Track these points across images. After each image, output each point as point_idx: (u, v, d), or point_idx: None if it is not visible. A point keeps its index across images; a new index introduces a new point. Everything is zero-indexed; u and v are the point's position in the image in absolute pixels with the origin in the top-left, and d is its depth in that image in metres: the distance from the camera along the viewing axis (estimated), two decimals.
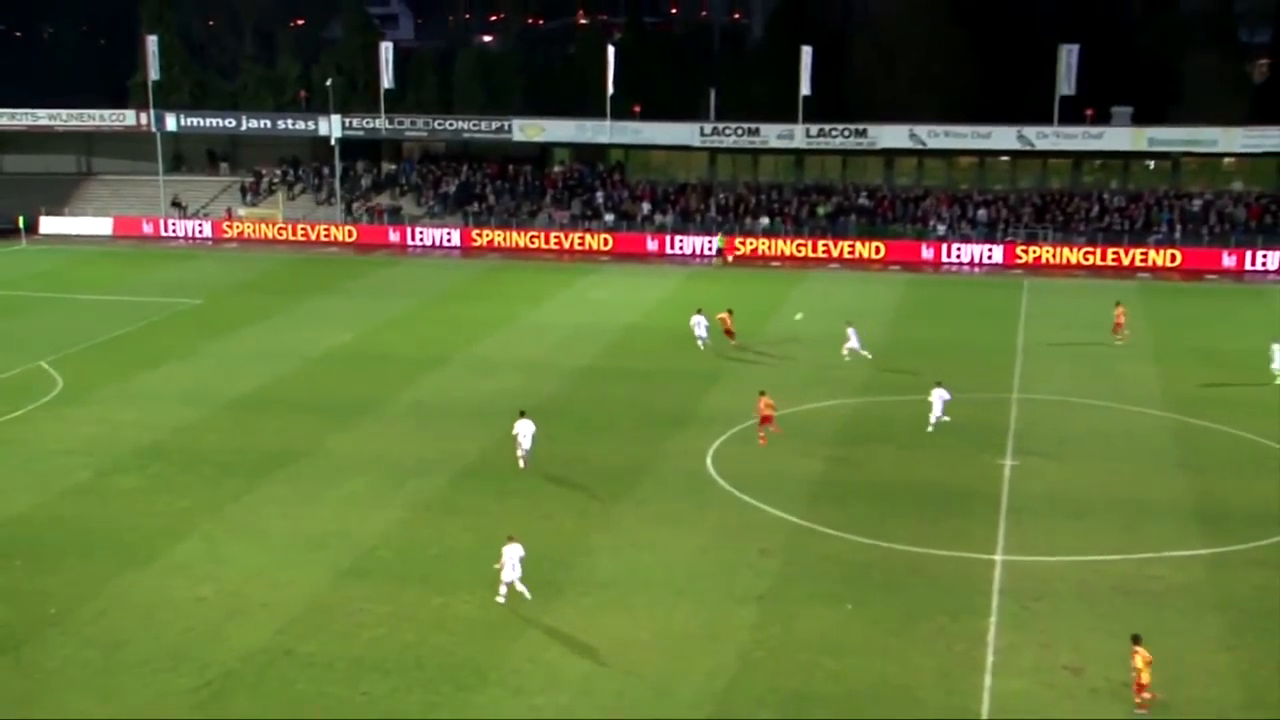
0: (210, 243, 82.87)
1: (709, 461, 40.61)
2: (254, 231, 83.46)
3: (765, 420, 42.13)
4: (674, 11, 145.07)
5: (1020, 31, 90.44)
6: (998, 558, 33.58)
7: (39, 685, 27.63)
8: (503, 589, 31.05)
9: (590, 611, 30.71)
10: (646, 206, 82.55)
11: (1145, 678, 25.79)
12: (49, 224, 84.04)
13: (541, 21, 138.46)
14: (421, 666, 28.20)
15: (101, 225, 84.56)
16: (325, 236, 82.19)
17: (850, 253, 75.97)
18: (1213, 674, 27.85)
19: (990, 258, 74.78)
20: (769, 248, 77.08)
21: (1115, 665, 27.99)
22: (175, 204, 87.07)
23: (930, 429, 42.65)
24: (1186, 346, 54.95)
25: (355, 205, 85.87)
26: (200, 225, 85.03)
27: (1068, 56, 75.28)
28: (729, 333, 54.34)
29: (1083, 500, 37.45)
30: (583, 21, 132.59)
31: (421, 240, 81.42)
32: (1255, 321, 59.66)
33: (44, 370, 51.05)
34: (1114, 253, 73.51)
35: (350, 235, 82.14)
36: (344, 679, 27.73)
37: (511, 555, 31.59)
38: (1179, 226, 75.89)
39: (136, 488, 38.57)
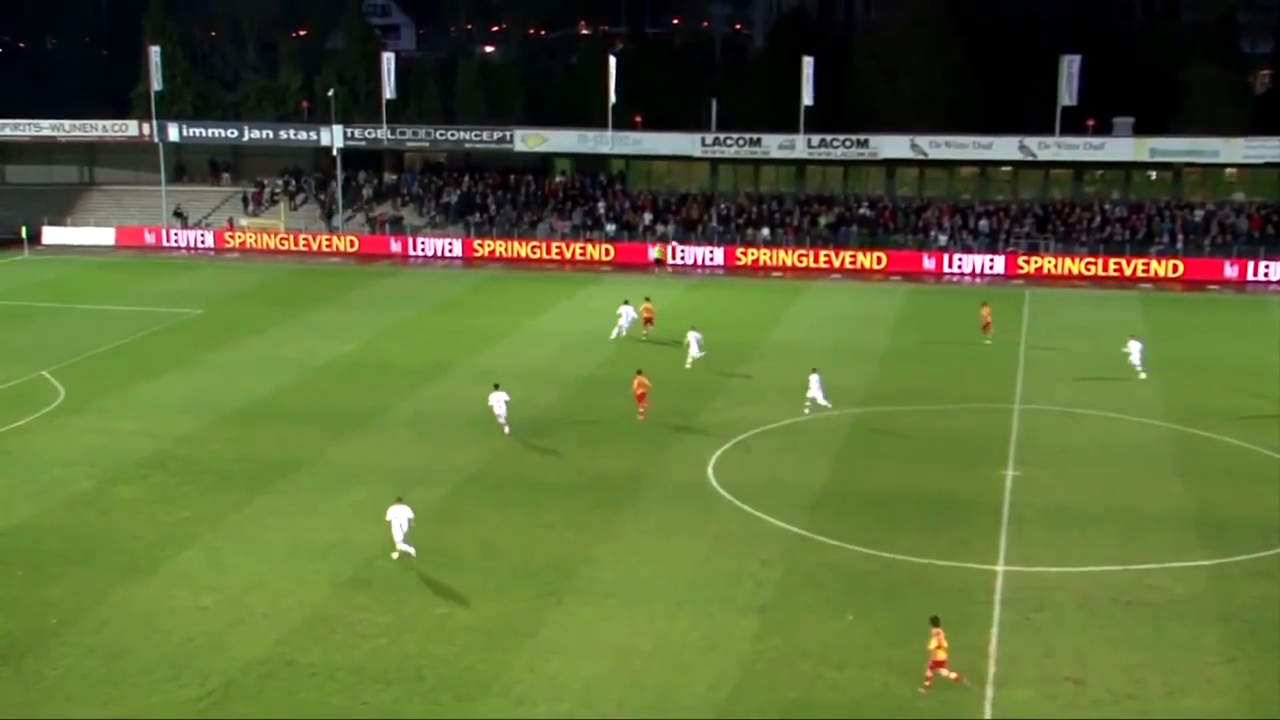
0: (212, 253, 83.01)
1: (710, 471, 40.63)
2: (256, 242, 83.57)
3: (640, 399, 45.06)
4: (676, 22, 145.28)
5: (1021, 42, 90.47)
6: (999, 568, 33.59)
7: (40, 695, 27.65)
8: (398, 549, 33.63)
9: (592, 621, 30.72)
10: (648, 217, 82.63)
11: (940, 656, 27.03)
12: (51, 234, 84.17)
13: (543, 32, 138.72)
14: (423, 677, 28.21)
15: (104, 235, 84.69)
16: (327, 247, 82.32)
17: (852, 263, 76.06)
18: (1214, 685, 27.83)
19: (992, 268, 74.83)
20: (770, 258, 77.14)
21: (1118, 676, 28.04)
22: (177, 214, 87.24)
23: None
24: (1188, 357, 54.94)
25: (335, 217, 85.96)
26: (202, 235, 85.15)
27: (1069, 67, 75.37)
28: (648, 321, 57.57)
29: (1084, 510, 37.45)
30: (584, 32, 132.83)
31: (423, 250, 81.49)
32: (1257, 332, 59.81)
33: (46, 380, 51.11)
34: (1116, 263, 73.54)
35: (352, 245, 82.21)
36: (345, 689, 27.74)
37: (398, 515, 34.15)
38: (1181, 237, 75.90)
39: (138, 498, 38.60)
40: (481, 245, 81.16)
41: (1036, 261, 74.58)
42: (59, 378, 51.35)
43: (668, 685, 27.80)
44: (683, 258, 78.15)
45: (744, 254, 77.71)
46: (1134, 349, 51.20)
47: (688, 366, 51.75)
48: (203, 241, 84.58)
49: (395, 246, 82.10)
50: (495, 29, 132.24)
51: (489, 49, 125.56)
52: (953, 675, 27.20)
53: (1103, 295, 67.50)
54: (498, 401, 44.53)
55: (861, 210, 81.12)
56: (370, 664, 28.76)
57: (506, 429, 44.05)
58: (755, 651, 29.23)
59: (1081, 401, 47.78)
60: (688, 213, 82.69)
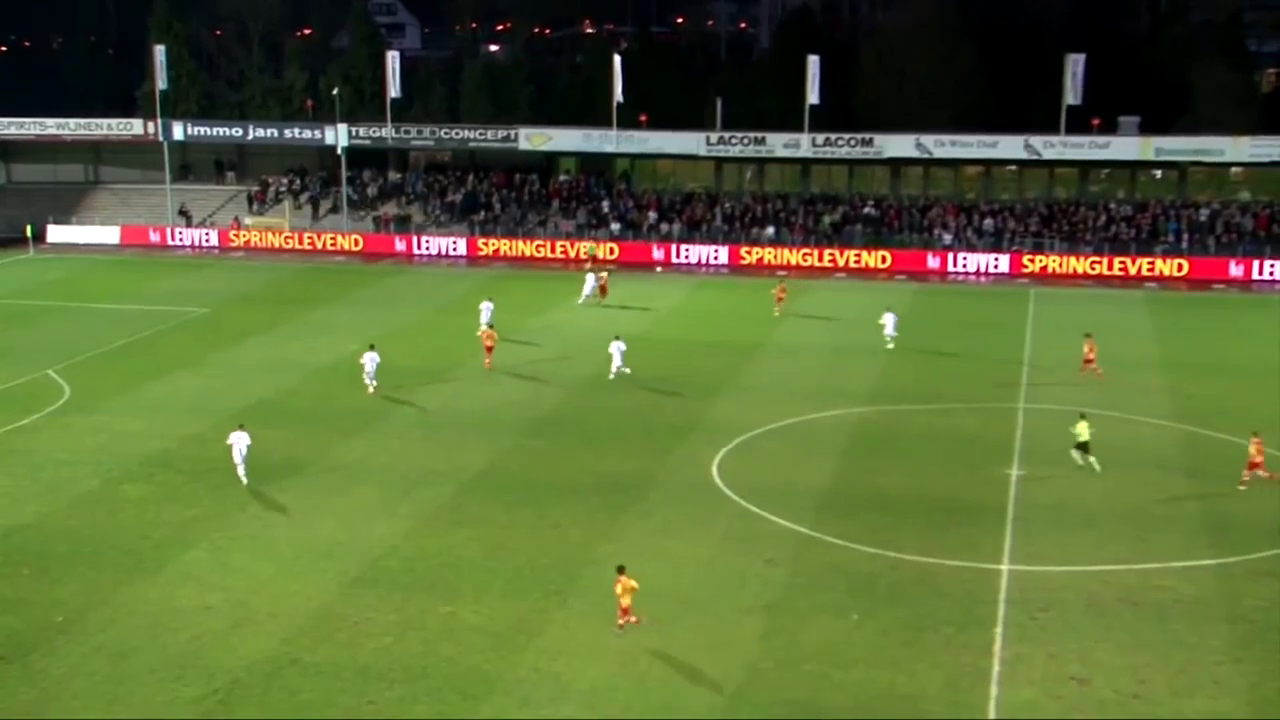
0: (217, 252, 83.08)
1: (715, 471, 40.66)
2: (260, 240, 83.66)
3: (489, 350, 51.68)
4: (681, 21, 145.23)
5: (1027, 42, 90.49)
6: (1005, 568, 33.61)
7: (47, 693, 27.73)
8: (240, 471, 38.78)
9: (597, 622, 30.72)
10: (653, 215, 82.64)
11: (626, 602, 29.46)
12: (57, 233, 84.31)
13: (548, 31, 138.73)
14: (428, 676, 28.26)
15: (109, 234, 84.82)
16: (332, 245, 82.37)
17: (856, 262, 76.04)
18: (1220, 685, 27.84)
19: (996, 267, 74.77)
20: (775, 257, 77.12)
21: (1124, 676, 28.05)
22: (182, 213, 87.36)
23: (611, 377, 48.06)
24: (1193, 357, 54.91)
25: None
26: (207, 234, 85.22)
27: (1074, 66, 75.17)
28: (603, 290, 63.43)
29: (1090, 510, 37.46)
30: (589, 31, 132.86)
31: (428, 249, 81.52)
32: (1262, 332, 59.72)
33: (52, 379, 51.20)
34: (1121, 262, 73.47)
35: (357, 244, 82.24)
36: (351, 688, 27.79)
37: (239, 441, 39.20)
38: (1186, 236, 75.76)
39: (144, 497, 38.66)
40: (486, 244, 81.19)
41: (1041, 260, 74.50)
42: (64, 377, 51.43)
43: (673, 686, 27.83)
44: (687, 257, 78.15)
45: (748, 253, 77.67)
46: (889, 321, 54.70)
47: (610, 378, 51.13)
48: (208, 240, 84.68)
49: (400, 245, 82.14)
50: (500, 28, 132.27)
51: (494, 48, 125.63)
52: (634, 619, 29.70)
53: (1108, 294, 67.41)
54: (369, 360, 48.82)
55: (866, 209, 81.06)
56: (376, 663, 28.82)
57: (372, 387, 48.40)
58: (761, 652, 29.24)
59: (1086, 401, 47.71)
60: (692, 212, 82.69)
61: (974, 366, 53.23)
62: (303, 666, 28.71)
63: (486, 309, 58.11)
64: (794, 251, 77.34)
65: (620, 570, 30.10)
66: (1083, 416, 41.23)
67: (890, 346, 54.14)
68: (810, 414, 45.99)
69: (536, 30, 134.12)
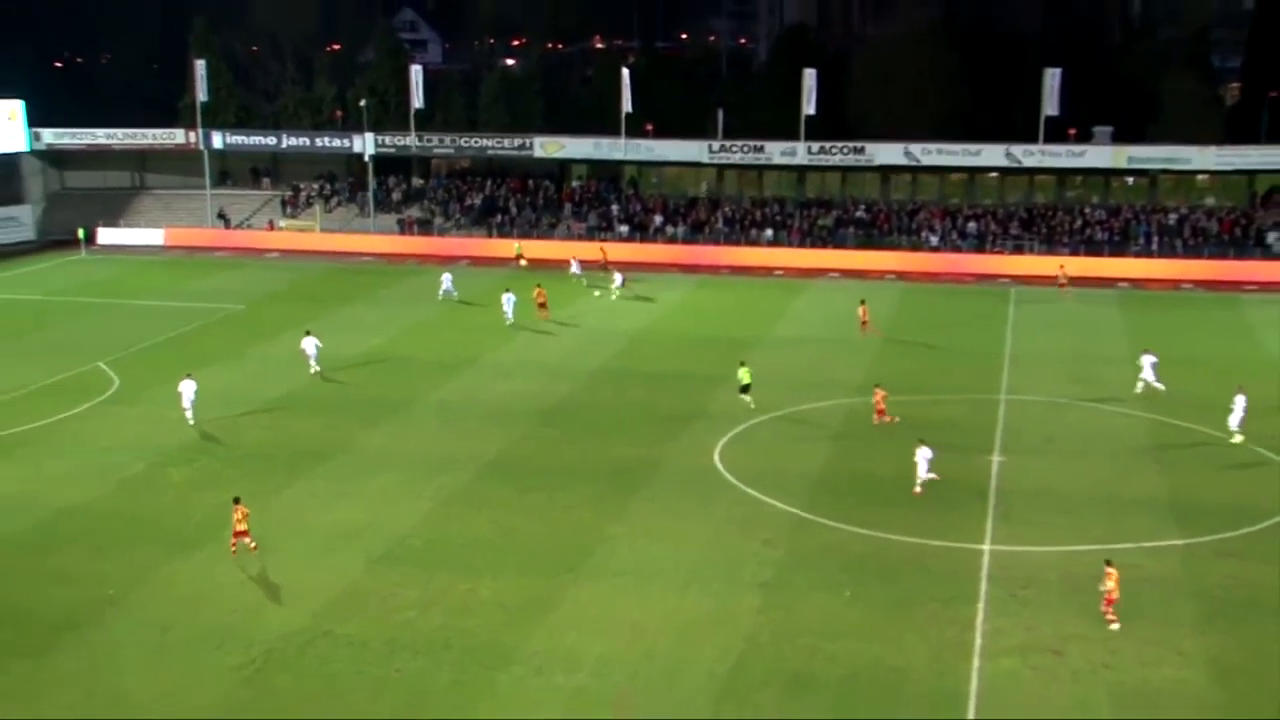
0: (253, 252, 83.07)
1: (716, 457, 40.72)
2: (293, 242, 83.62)
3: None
4: (684, 37, 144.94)
5: (1008, 56, 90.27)
6: (986, 548, 33.66)
7: (100, 662, 27.96)
8: (188, 418, 43.42)
9: (606, 597, 30.85)
10: (659, 219, 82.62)
11: (241, 528, 32.75)
12: (106, 235, 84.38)
13: (561, 46, 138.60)
14: (450, 647, 28.39)
15: (154, 236, 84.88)
16: (359, 246, 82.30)
17: (849, 262, 75.85)
18: (1185, 656, 27.93)
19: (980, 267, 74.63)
20: (772, 257, 77.03)
21: (1096, 648, 28.13)
22: (221, 216, 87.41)
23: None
24: (1163, 352, 54.73)
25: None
26: (244, 236, 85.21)
27: (1052, 79, 75.07)
28: (542, 306, 60.57)
29: (1066, 495, 37.51)
30: (599, 46, 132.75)
31: (448, 250, 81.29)
32: (1227, 328, 59.70)
33: (102, 370, 51.39)
34: (1095, 263, 73.24)
35: (382, 246, 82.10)
36: (378, 658, 27.94)
37: (187, 389, 43.86)
38: (1156, 239, 75.67)
39: (186, 480, 38.83)
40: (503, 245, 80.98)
41: (1021, 261, 74.34)
42: (113, 369, 51.61)
43: (677, 657, 27.91)
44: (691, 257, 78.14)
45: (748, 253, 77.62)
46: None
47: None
48: (244, 242, 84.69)
49: (422, 247, 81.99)
50: (516, 44, 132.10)
51: (510, 62, 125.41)
52: (252, 545, 32.75)
53: (1083, 293, 67.26)
54: (309, 344, 50.28)
55: (858, 213, 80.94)
56: (401, 635, 28.95)
57: (315, 368, 49.93)
58: (758, 625, 29.33)
59: (1063, 393, 47.77)
60: (696, 215, 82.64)
61: (958, 360, 53.23)
62: (334, 638, 28.86)
63: (508, 299, 59.37)
64: (791, 252, 77.32)
65: (237, 501, 33.09)
66: (743, 364, 46.15)
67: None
68: (805, 404, 46.03)
69: (550, 45, 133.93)
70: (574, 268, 68.94)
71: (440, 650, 28.26)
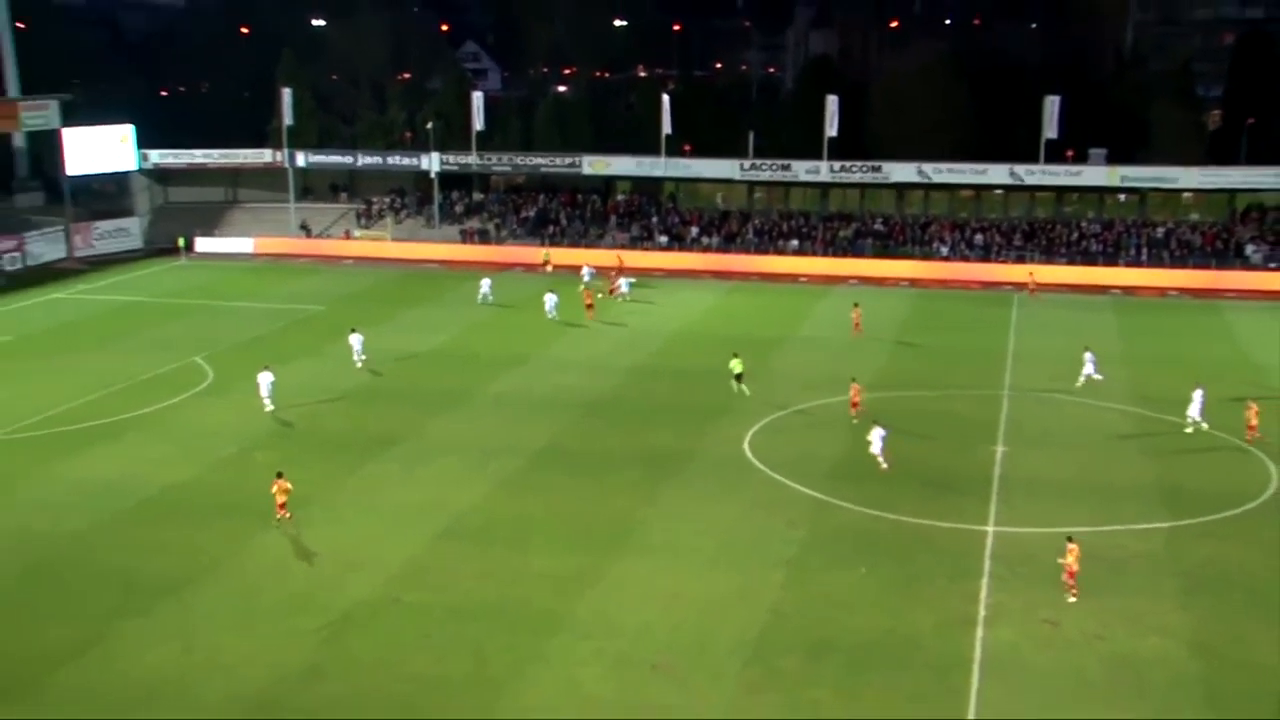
0: (331, 260, 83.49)
1: (746, 446, 40.67)
2: (367, 250, 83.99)
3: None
4: (719, 66, 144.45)
5: (1011, 85, 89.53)
6: (989, 529, 33.48)
7: (196, 623, 28.33)
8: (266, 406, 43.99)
9: (645, 572, 30.91)
10: (695, 230, 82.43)
11: (281, 499, 34.53)
12: (203, 244, 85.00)
13: (607, 75, 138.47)
14: (505, 614, 28.54)
15: (244, 244, 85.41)
16: (425, 254, 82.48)
17: (868, 270, 75.40)
18: (1167, 629, 27.76)
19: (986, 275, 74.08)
20: (797, 265, 76.69)
21: (1089, 620, 27.97)
22: (303, 227, 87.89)
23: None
24: (1151, 352, 54.34)
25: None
26: (323, 244, 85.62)
27: (1052, 106, 74.46)
28: (589, 307, 61.13)
29: (1062, 481, 37.26)
30: (642, 74, 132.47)
31: (505, 258, 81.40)
32: (1210, 332, 59.04)
33: (199, 365, 51.88)
34: (1090, 272, 72.59)
35: (446, 254, 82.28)
36: (441, 623, 28.15)
37: (265, 379, 44.33)
38: (1145, 250, 75.02)
39: (271, 462, 38.92)
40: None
41: (1023, 270, 73.64)
42: (208, 363, 52.10)
43: (708, 626, 27.94)
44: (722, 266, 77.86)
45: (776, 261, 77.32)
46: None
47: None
48: (323, 250, 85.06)
49: (482, 255, 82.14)
50: (567, 72, 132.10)
51: (562, 89, 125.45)
52: (287, 515, 33.34)
53: (1079, 299, 66.68)
54: (355, 340, 51.32)
55: (876, 225, 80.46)
56: (461, 603, 29.14)
57: (359, 361, 50.86)
58: (782, 598, 29.44)
59: (1060, 389, 47.38)
60: (729, 227, 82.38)
61: (965, 359, 52.87)
62: (401, 605, 29.06)
63: (550, 299, 60.26)
64: (814, 261, 77.04)
65: (279, 475, 33.63)
66: (735, 355, 46.58)
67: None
68: (826, 398, 45.87)
69: (597, 74, 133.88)
70: (585, 274, 68.24)
71: (496, 617, 28.40)
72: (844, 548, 32.38)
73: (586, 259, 73.43)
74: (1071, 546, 29.30)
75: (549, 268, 74.44)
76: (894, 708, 24.71)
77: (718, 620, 28.28)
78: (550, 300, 60.80)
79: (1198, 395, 41.58)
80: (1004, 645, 27.05)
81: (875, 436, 38.08)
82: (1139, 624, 27.90)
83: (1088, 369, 47.26)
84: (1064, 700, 24.91)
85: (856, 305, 58.79)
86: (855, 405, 43.25)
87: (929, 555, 31.78)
